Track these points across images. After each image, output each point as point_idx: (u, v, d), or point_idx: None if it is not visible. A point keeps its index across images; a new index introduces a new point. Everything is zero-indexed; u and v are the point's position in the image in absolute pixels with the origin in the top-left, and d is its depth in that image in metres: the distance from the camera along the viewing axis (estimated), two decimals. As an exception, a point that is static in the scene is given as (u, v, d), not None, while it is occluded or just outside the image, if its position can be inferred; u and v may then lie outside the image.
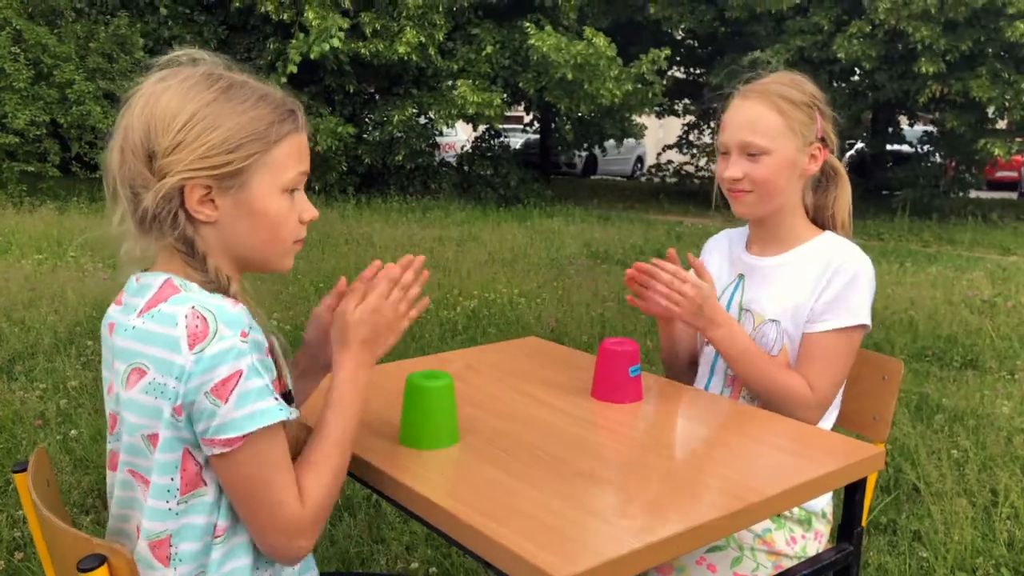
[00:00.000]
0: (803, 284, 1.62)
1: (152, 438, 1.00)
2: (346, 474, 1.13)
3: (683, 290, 1.56)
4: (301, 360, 1.30)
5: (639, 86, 11.88)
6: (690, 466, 1.23)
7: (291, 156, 1.08)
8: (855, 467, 1.28)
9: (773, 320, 1.64)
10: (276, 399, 1.00)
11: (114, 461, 1.08)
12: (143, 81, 1.06)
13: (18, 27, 9.95)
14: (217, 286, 1.04)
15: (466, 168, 14.19)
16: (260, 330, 1.03)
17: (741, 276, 1.73)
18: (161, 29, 11.94)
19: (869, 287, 1.60)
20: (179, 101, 1.01)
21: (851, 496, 1.33)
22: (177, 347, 0.96)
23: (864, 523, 1.49)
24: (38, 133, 9.90)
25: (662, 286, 1.57)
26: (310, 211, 1.12)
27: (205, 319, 0.97)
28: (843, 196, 1.72)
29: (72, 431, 3.09)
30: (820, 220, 1.72)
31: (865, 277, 1.59)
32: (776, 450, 1.31)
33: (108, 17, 11.45)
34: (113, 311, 1.09)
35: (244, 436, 0.97)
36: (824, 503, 1.61)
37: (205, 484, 1.03)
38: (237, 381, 0.96)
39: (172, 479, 1.01)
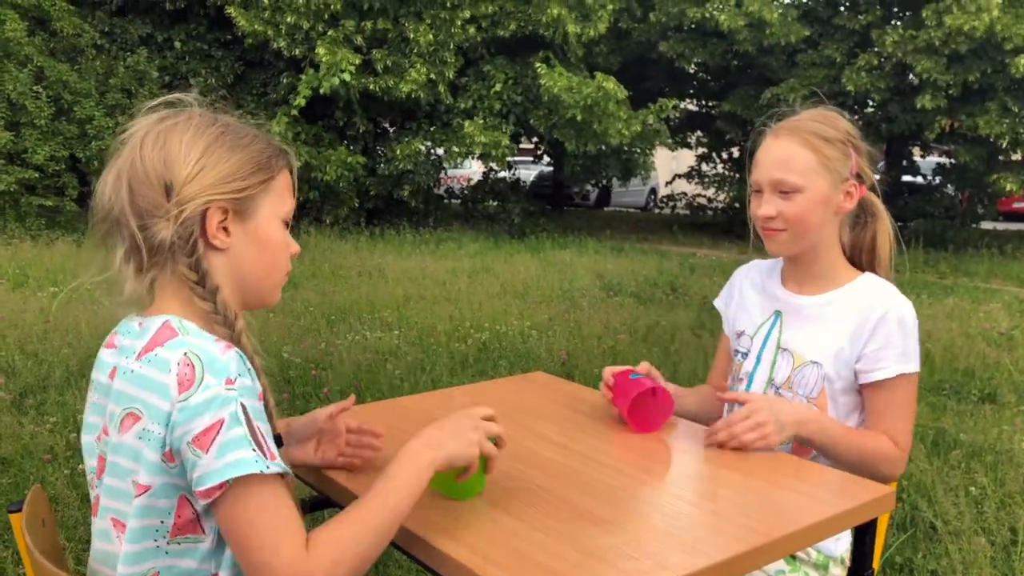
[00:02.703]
0: (846, 327, 1.57)
1: (138, 485, 1.00)
2: (381, 545, 1.02)
3: (749, 426, 1.45)
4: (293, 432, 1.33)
5: (648, 126, 12.03)
6: (695, 506, 1.21)
7: (287, 189, 1.15)
8: (865, 508, 1.25)
9: (814, 362, 1.60)
10: (254, 449, 0.96)
11: (97, 506, 1.07)
12: (134, 124, 1.09)
13: (40, 64, 10.16)
14: (224, 320, 1.05)
15: (470, 203, 14.37)
16: (252, 374, 1.02)
17: (778, 313, 1.69)
18: (179, 64, 12.16)
19: (916, 331, 1.58)
20: (191, 136, 1.06)
21: (861, 537, 1.30)
22: (167, 394, 0.97)
23: (878, 563, 1.45)
24: (57, 168, 10.06)
25: (733, 441, 1.45)
26: (295, 245, 1.18)
27: (193, 367, 0.97)
28: (883, 234, 1.68)
29: (80, 466, 3.08)
30: (857, 258, 1.69)
31: (913, 321, 1.58)
32: (784, 490, 1.28)
33: (127, 53, 11.68)
34: (108, 356, 1.09)
35: (221, 485, 0.95)
36: (844, 548, 1.57)
37: (203, 532, 1.02)
38: (218, 431, 0.95)
39: (163, 522, 1.00)
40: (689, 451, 1.47)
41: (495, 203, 14.05)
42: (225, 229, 1.08)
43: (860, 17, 12.39)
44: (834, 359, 1.58)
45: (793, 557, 1.55)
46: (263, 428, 0.99)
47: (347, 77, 10.85)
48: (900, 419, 1.56)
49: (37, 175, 9.84)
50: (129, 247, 1.06)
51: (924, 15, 11.11)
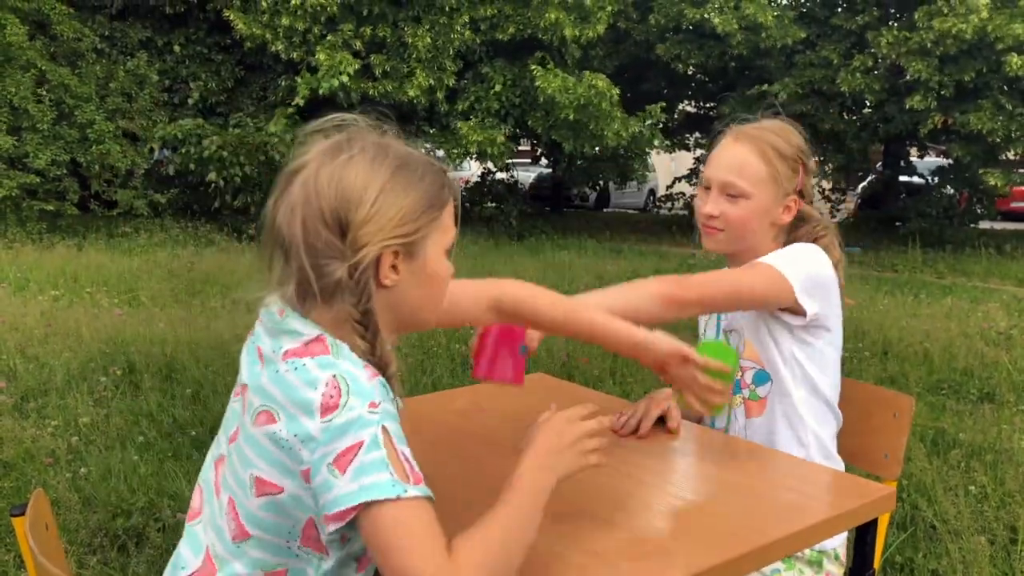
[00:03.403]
0: None
1: (259, 482, 1.00)
2: (509, 562, 1.00)
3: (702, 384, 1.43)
4: None
5: (639, 133, 12.06)
6: (696, 507, 1.22)
7: (451, 219, 1.14)
8: (866, 508, 1.26)
9: (735, 331, 1.69)
10: (392, 474, 0.95)
11: (220, 466, 1.09)
12: (305, 153, 1.07)
13: (42, 67, 10.17)
14: (378, 363, 1.04)
15: (467, 204, 14.38)
16: (395, 402, 1.02)
17: None
18: (179, 68, 12.18)
19: (803, 252, 1.59)
20: (366, 174, 1.04)
21: (862, 537, 1.31)
22: (311, 411, 0.96)
23: (879, 563, 1.46)
24: (58, 173, 10.06)
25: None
26: (451, 268, 1.17)
27: (339, 389, 0.97)
28: (810, 233, 1.71)
29: (82, 469, 3.09)
30: None
31: (803, 247, 1.61)
32: (785, 491, 1.29)
33: (127, 58, 11.69)
34: (260, 330, 1.08)
35: (354, 508, 0.94)
36: (837, 544, 1.59)
37: (327, 554, 1.03)
38: (356, 452, 0.95)
39: (294, 526, 1.01)
40: (691, 452, 1.48)
41: (492, 205, 14.08)
42: (395, 267, 1.07)
43: (857, 18, 12.41)
44: (750, 314, 1.65)
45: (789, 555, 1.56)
46: (406, 452, 0.98)
47: (346, 79, 10.87)
48: (714, 276, 1.59)
49: (38, 180, 9.85)
50: (299, 279, 1.04)
51: (916, 17, 11.14)
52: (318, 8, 10.96)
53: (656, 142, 12.65)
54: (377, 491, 0.94)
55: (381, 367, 1.04)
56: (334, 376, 0.98)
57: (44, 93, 10.12)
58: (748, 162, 1.63)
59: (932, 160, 15.92)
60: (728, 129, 1.70)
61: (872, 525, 1.30)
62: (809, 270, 1.58)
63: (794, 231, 1.73)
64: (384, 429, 0.97)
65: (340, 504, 0.94)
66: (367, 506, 0.94)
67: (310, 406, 0.97)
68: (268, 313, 1.09)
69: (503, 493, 1.04)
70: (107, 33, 11.78)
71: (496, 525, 1.00)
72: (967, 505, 2.92)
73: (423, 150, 1.14)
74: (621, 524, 1.14)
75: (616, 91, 11.44)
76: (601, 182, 16.03)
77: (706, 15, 12.24)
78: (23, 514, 1.11)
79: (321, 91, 10.97)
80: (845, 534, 1.56)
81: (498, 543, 0.98)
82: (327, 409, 0.96)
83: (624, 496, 1.24)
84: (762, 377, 1.65)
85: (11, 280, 7.01)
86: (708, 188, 1.68)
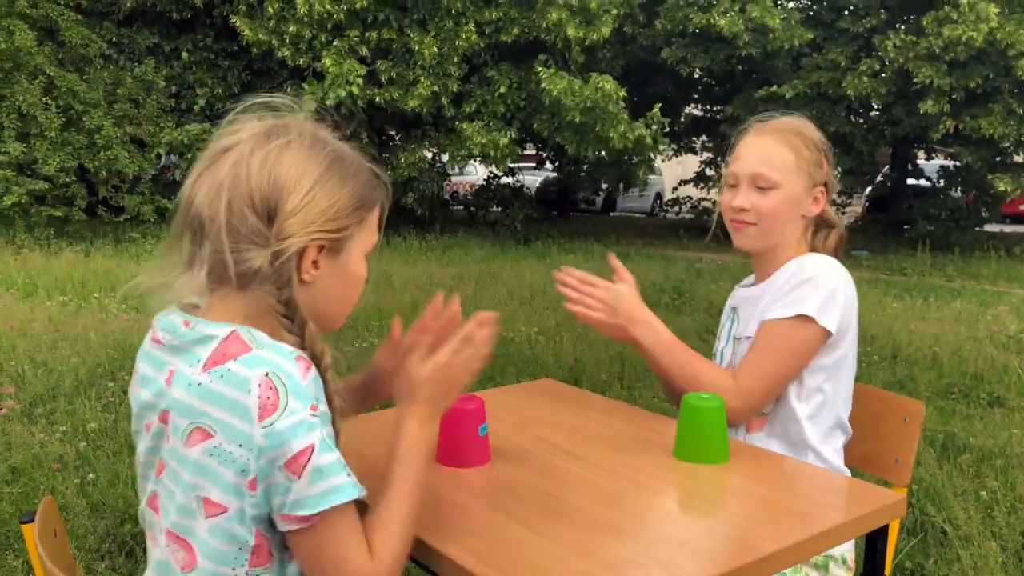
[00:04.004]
0: (774, 295, 1.63)
1: (208, 502, 0.98)
2: (416, 526, 1.08)
3: (592, 293, 1.64)
4: (358, 389, 1.33)
5: (647, 134, 12.03)
6: (706, 514, 1.21)
7: (377, 222, 1.13)
8: (876, 514, 1.25)
9: (747, 337, 1.66)
10: (349, 474, 0.98)
11: (155, 503, 1.06)
12: (236, 132, 1.04)
13: (50, 74, 10.21)
14: (311, 356, 1.02)
15: (472, 208, 14.42)
16: (324, 398, 1.01)
17: (734, 310, 1.77)
18: (186, 74, 12.22)
19: (831, 287, 1.56)
20: (302, 163, 1.02)
21: (872, 544, 1.30)
22: (248, 416, 0.94)
23: (889, 569, 1.45)
24: (67, 179, 10.10)
25: (572, 292, 1.65)
26: (366, 273, 1.16)
27: (277, 391, 0.95)
28: (833, 240, 1.73)
29: (90, 475, 3.09)
30: None
31: (827, 277, 1.57)
32: (795, 497, 1.28)
33: (135, 64, 11.74)
34: (157, 351, 1.05)
35: (319, 513, 0.95)
36: (845, 548, 1.58)
37: (271, 556, 1.02)
38: (310, 456, 0.94)
39: (241, 548, 1.00)
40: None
41: (498, 209, 14.10)
42: (316, 263, 1.05)
43: (864, 21, 12.38)
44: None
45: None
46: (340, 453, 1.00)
47: (355, 89, 10.88)
48: (753, 356, 1.58)
49: (47, 186, 9.89)
50: (214, 262, 1.01)
51: (924, 22, 11.11)
52: (324, 15, 10.99)
53: (660, 147, 12.61)
54: (342, 493, 0.96)
55: (315, 359, 1.02)
56: (267, 375, 0.95)
57: (51, 101, 10.16)
58: (775, 152, 1.63)
59: (936, 162, 15.86)
60: (748, 126, 1.71)
61: (883, 531, 1.29)
62: (826, 296, 1.56)
63: (821, 236, 1.72)
64: (326, 434, 0.97)
65: (306, 507, 0.95)
66: (327, 512, 0.95)
67: (247, 411, 0.94)
68: (170, 326, 1.04)
69: (396, 466, 1.08)
70: (115, 39, 11.83)
71: (403, 505, 1.05)
72: (977, 511, 2.90)
73: (358, 150, 1.12)
74: (628, 530, 1.13)
75: (623, 93, 11.43)
76: (604, 187, 16.02)
77: (712, 19, 12.23)
78: (32, 521, 1.11)
79: (328, 101, 10.99)
80: (852, 540, 1.55)
81: (408, 521, 1.05)
82: (265, 411, 0.94)
83: (633, 503, 1.23)
84: None
85: (19, 286, 7.04)
86: (734, 185, 1.67)
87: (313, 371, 0.99)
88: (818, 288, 1.55)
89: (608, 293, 1.64)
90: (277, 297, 1.01)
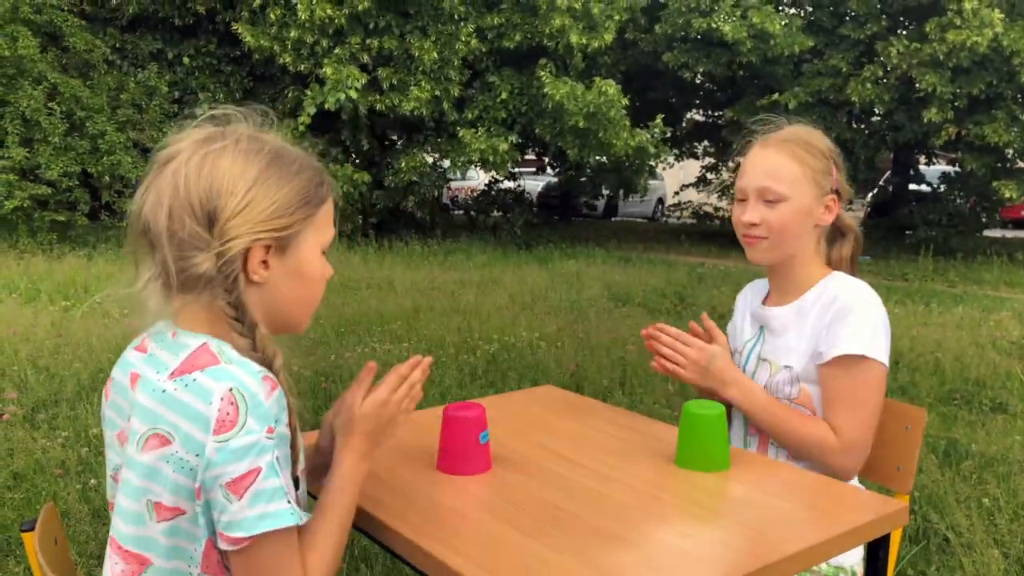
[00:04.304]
0: (811, 324, 1.61)
1: (159, 507, 0.98)
2: (340, 557, 1.12)
3: (685, 352, 1.65)
4: (313, 455, 1.31)
5: (648, 142, 12.05)
6: (708, 523, 1.21)
7: (329, 218, 1.13)
8: (878, 523, 1.25)
9: (786, 367, 1.64)
10: (290, 502, 0.98)
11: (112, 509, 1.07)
12: (179, 141, 1.05)
13: (53, 80, 10.24)
14: (262, 358, 1.03)
15: (472, 213, 14.44)
16: (286, 417, 1.01)
17: (762, 328, 1.75)
18: (188, 79, 12.25)
19: (873, 319, 1.56)
20: (241, 164, 1.03)
21: (874, 552, 1.30)
22: (206, 427, 0.95)
23: (891, 578, 1.45)
24: (70, 184, 10.13)
25: (665, 349, 1.66)
26: (330, 269, 1.16)
27: (237, 407, 0.95)
28: (849, 249, 1.73)
29: (92, 480, 3.10)
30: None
31: (867, 309, 1.57)
32: (797, 506, 1.28)
33: (138, 69, 11.77)
34: (136, 358, 1.07)
35: (251, 537, 0.96)
36: (854, 560, 1.57)
37: (227, 571, 1.02)
38: (254, 479, 0.95)
39: (196, 549, 1.00)
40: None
41: (498, 214, 14.14)
42: (265, 263, 1.05)
43: (865, 28, 12.39)
44: (807, 358, 1.62)
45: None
46: (288, 478, 1.00)
47: (353, 94, 10.90)
48: (845, 408, 1.56)
49: (50, 191, 9.91)
50: (161, 271, 1.03)
51: (927, 28, 11.11)
52: (326, 21, 11.02)
53: (660, 154, 12.64)
54: (280, 519, 0.96)
55: (266, 362, 1.03)
56: (230, 390, 0.96)
57: (55, 106, 10.19)
58: (781, 164, 1.61)
59: (938, 167, 15.85)
60: (754, 138, 1.70)
61: (885, 539, 1.29)
62: (878, 330, 1.57)
63: (833, 244, 1.72)
64: (276, 458, 0.97)
65: (237, 530, 0.95)
66: (261, 536, 0.96)
67: (206, 421, 0.95)
68: (159, 337, 1.06)
69: (331, 495, 1.13)
70: (118, 45, 11.87)
71: (334, 531, 1.09)
72: (980, 518, 2.89)
73: (303, 148, 1.13)
74: (629, 539, 1.13)
75: (626, 100, 11.45)
76: (606, 192, 16.09)
77: (713, 23, 12.24)
78: (32, 529, 1.11)
79: (327, 106, 11.02)
80: (862, 551, 1.55)
81: (339, 547, 1.10)
82: (223, 426, 0.94)
83: (634, 511, 1.23)
84: None
85: (22, 290, 7.05)
86: (743, 199, 1.66)
87: (278, 391, 1.00)
88: (865, 322, 1.56)
89: (702, 355, 1.65)
90: (226, 300, 1.02)
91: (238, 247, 1.01)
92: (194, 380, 0.98)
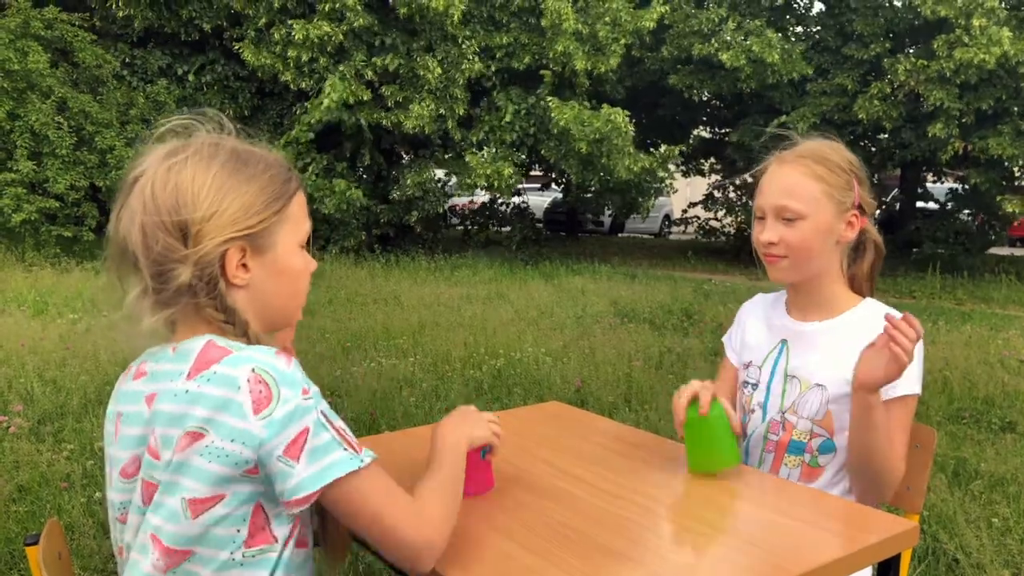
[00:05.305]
0: (853, 351, 1.55)
1: (193, 503, 0.98)
2: (456, 510, 1.16)
3: (909, 348, 1.47)
4: None
5: (654, 164, 12.09)
6: (716, 542, 1.20)
7: (302, 211, 1.15)
8: (888, 543, 1.24)
9: (819, 385, 1.62)
10: (345, 449, 1.01)
11: (130, 520, 1.06)
12: (144, 157, 1.08)
13: (62, 95, 10.33)
14: None
15: (475, 228, 14.50)
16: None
17: (784, 342, 1.70)
18: (197, 95, 12.35)
19: (920, 354, 1.56)
20: (203, 172, 1.05)
21: (884, 573, 1.29)
22: (242, 413, 0.97)
23: (900, 600, 1.43)
24: (77, 198, 10.19)
25: (905, 341, 1.45)
26: (313, 263, 1.18)
27: (267, 384, 0.98)
28: (868, 263, 1.70)
29: (96, 493, 3.09)
30: (858, 288, 1.70)
31: (921, 346, 1.55)
32: (806, 525, 1.27)
33: (147, 84, 11.87)
34: (139, 385, 1.06)
35: (318, 491, 0.99)
36: (863, 579, 1.55)
37: (275, 540, 1.03)
38: (306, 439, 0.98)
39: (238, 531, 1.01)
40: (708, 484, 1.46)
41: (495, 229, 14.23)
42: (244, 266, 1.07)
43: (870, 48, 12.42)
44: (844, 383, 1.58)
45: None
46: (343, 426, 1.03)
47: (331, 105, 10.89)
48: (900, 443, 1.56)
49: (58, 204, 9.97)
50: (146, 287, 1.04)
51: (935, 45, 11.13)
52: (324, 38, 11.09)
53: (665, 179, 12.74)
54: (339, 468, 1.00)
55: None
56: (253, 370, 0.98)
57: (64, 120, 10.27)
58: (798, 182, 1.58)
59: (945, 185, 15.85)
60: (772, 156, 1.67)
61: (895, 560, 1.28)
62: (919, 367, 1.57)
63: (858, 260, 1.68)
64: (322, 412, 1.01)
65: (304, 489, 0.98)
66: (332, 485, 0.99)
67: (240, 408, 0.96)
68: (157, 356, 1.07)
69: (433, 463, 1.19)
70: (128, 60, 11.98)
71: (443, 483, 1.15)
72: (990, 538, 2.86)
73: (265, 146, 1.14)
74: (634, 556, 1.12)
75: (631, 128, 11.50)
76: (607, 212, 16.23)
77: (714, 48, 12.31)
78: (36, 544, 1.11)
79: (315, 119, 11.11)
80: (871, 572, 1.53)
81: (450, 496, 1.14)
82: (260, 405, 0.97)
83: (641, 529, 1.22)
84: (827, 447, 1.62)
85: (30, 304, 7.08)
86: (762, 218, 1.64)
87: (294, 360, 1.02)
88: (919, 361, 1.56)
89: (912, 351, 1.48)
90: (213, 305, 1.05)
91: (213, 252, 1.03)
92: (215, 373, 0.99)
